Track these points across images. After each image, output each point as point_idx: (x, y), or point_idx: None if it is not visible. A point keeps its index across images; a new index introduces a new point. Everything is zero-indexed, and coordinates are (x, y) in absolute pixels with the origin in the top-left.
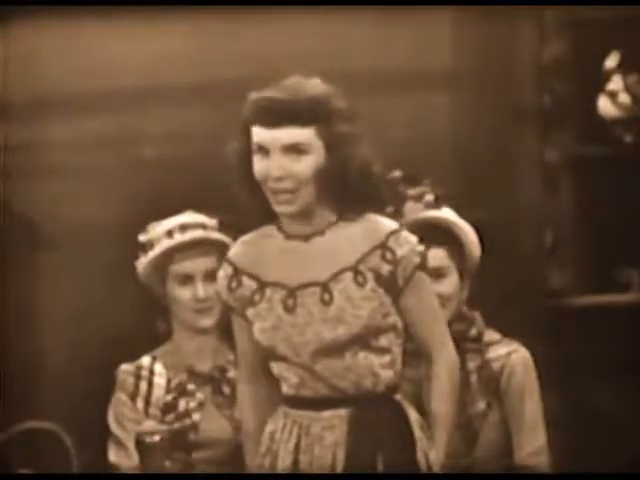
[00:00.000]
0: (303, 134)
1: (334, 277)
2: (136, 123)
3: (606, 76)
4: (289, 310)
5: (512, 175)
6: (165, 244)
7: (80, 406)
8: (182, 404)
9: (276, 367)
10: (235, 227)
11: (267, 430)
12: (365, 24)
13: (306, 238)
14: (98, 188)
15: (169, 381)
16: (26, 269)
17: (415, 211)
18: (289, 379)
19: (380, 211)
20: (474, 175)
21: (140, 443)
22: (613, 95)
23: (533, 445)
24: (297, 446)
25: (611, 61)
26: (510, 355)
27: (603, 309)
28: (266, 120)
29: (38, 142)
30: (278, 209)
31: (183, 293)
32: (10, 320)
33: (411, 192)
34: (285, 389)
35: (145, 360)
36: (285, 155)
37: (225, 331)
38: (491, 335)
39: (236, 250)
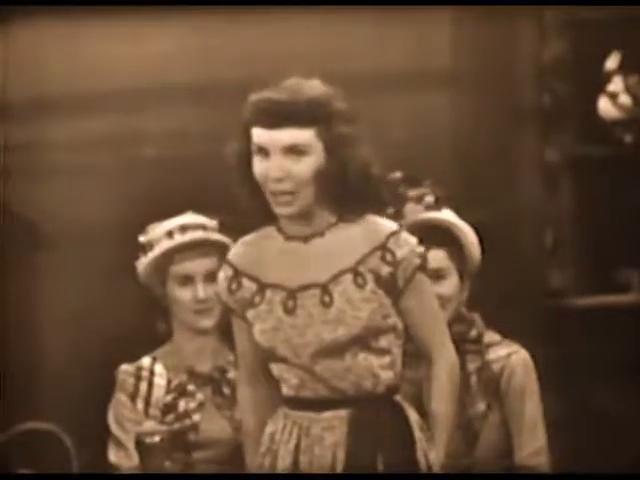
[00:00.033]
0: (303, 135)
1: (334, 279)
2: (136, 123)
3: (607, 77)
4: (289, 312)
5: (512, 175)
6: (165, 245)
7: (80, 406)
8: (182, 405)
9: (276, 368)
10: (235, 228)
11: (267, 431)
12: (365, 24)
13: (306, 239)
14: (98, 188)
15: (169, 382)
16: (26, 269)
17: (415, 212)
18: (289, 380)
19: (380, 212)
20: (474, 175)
21: (140, 443)
22: (613, 96)
23: (533, 446)
24: (297, 447)
25: (612, 62)
26: (510, 356)
27: (603, 309)
28: (266, 121)
29: (38, 142)
30: (277, 210)
31: (183, 294)
32: (10, 320)
33: (411, 193)
34: (285, 390)
35: (145, 361)
36: (285, 156)
37: (225, 332)
38: (491, 336)
39: (236, 251)
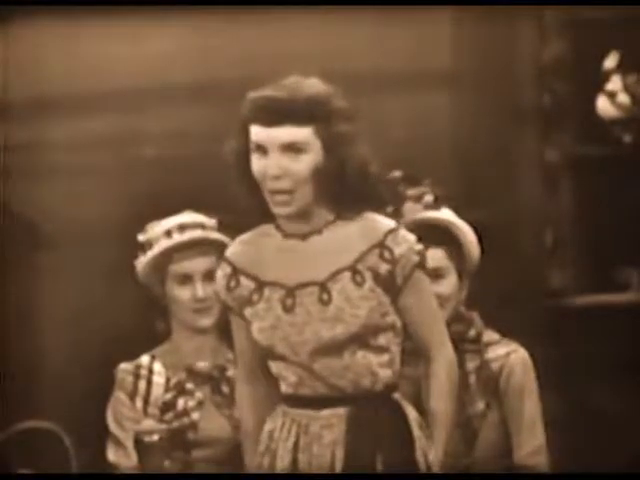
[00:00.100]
0: (301, 133)
1: (332, 277)
2: (136, 123)
3: (605, 76)
4: (288, 310)
5: (512, 175)
6: (164, 244)
7: (79, 406)
8: (181, 403)
9: (275, 366)
10: (234, 227)
11: (266, 429)
12: (365, 24)
13: (304, 237)
14: (98, 188)
15: (168, 380)
16: (26, 269)
17: (414, 211)
18: (288, 378)
19: (379, 211)
20: (474, 175)
21: (139, 442)
22: (612, 95)
23: (532, 445)
24: (296, 445)
25: (610, 61)
26: (509, 355)
27: (603, 309)
28: (264, 119)
29: (38, 142)
30: (276, 211)
31: (182, 293)
32: (10, 320)
33: (410, 192)
34: (284, 388)
35: (144, 359)
36: (283, 154)
37: (224, 331)
38: (490, 335)
39: (234, 249)
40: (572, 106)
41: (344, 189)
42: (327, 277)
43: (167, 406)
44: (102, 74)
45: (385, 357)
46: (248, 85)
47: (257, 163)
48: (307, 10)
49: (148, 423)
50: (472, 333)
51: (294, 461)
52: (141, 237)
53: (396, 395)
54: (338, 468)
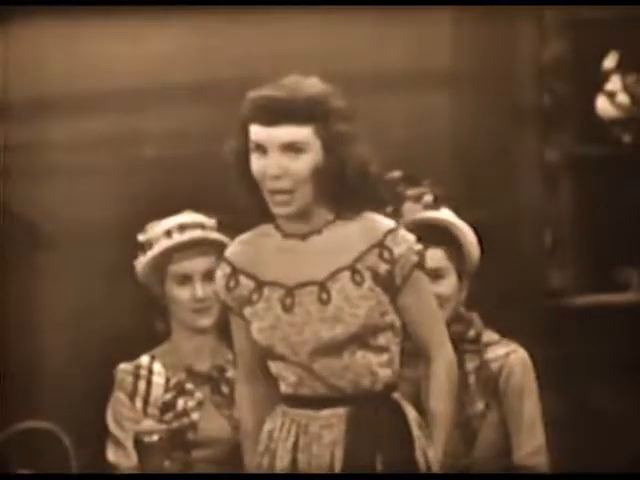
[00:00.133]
0: (301, 133)
1: (332, 276)
2: (136, 123)
3: (605, 76)
4: (287, 309)
5: (512, 175)
6: (164, 244)
7: (79, 406)
8: (181, 403)
9: (274, 366)
10: (234, 227)
11: (265, 429)
12: (365, 24)
13: (303, 237)
14: (98, 188)
15: (168, 380)
16: (26, 269)
17: (414, 211)
18: (287, 378)
19: (378, 211)
20: (474, 175)
21: (139, 442)
22: (612, 95)
23: (532, 445)
24: (295, 445)
25: (610, 61)
26: (509, 355)
27: (602, 309)
28: (264, 118)
29: (38, 142)
30: (275, 211)
31: (182, 293)
32: (10, 320)
33: (410, 192)
34: (283, 388)
35: (144, 359)
36: (283, 153)
37: (224, 331)
38: (490, 336)
39: (234, 249)
40: (572, 106)
41: (344, 189)
42: (326, 277)
43: (167, 406)
44: (102, 74)
45: (384, 357)
46: (248, 85)
47: (257, 163)
48: (307, 10)
49: (148, 423)
50: (471, 333)
51: (294, 461)
52: (141, 237)
53: (396, 395)
54: (337, 468)
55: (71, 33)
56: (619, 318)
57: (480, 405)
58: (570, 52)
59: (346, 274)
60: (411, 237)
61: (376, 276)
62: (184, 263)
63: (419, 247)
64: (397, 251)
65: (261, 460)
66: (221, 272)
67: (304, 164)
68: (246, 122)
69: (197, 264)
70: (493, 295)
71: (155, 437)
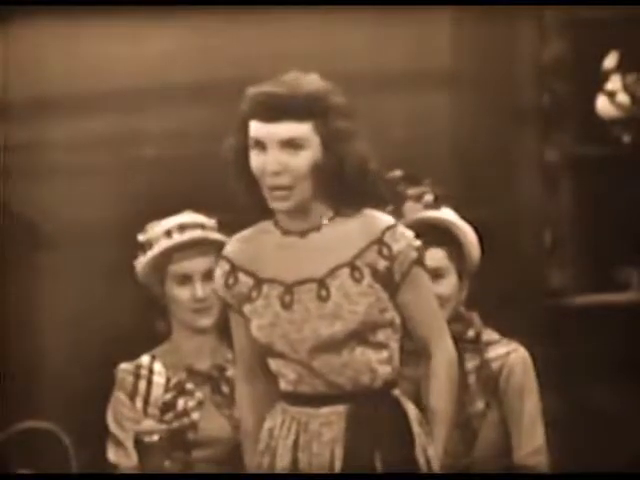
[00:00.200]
0: (300, 129)
1: (331, 273)
2: (136, 123)
3: (605, 76)
4: (286, 306)
5: (512, 175)
6: (164, 244)
7: (79, 406)
8: (181, 403)
9: (274, 363)
10: (234, 227)
11: (265, 427)
12: (365, 24)
13: (302, 234)
14: (98, 188)
15: (168, 380)
16: (26, 269)
17: (414, 211)
18: (287, 375)
19: (378, 208)
20: (474, 175)
21: (139, 442)
22: (612, 95)
23: (532, 445)
24: (295, 443)
25: (610, 61)
26: (509, 355)
27: (602, 309)
28: (263, 114)
29: (38, 142)
30: (274, 205)
31: (182, 293)
32: (10, 320)
33: (410, 192)
34: (283, 385)
35: (144, 359)
36: (282, 150)
37: (224, 330)
38: (490, 335)
39: (233, 247)
40: (572, 106)
41: (343, 186)
42: (325, 273)
43: (167, 406)
44: (102, 74)
45: (384, 354)
46: (248, 85)
47: (256, 159)
48: (307, 10)
49: (148, 423)
50: (471, 333)
51: (294, 459)
52: (141, 237)
53: (395, 392)
54: (337, 466)
55: (71, 33)
56: (619, 318)
57: (480, 404)
58: (570, 52)
59: (345, 271)
60: (410, 233)
61: (375, 273)
62: (184, 263)
63: (418, 243)
64: (396, 247)
65: (261, 459)
66: (220, 269)
67: (303, 160)
68: (245, 118)
69: (197, 264)
70: (493, 295)
71: (155, 437)
